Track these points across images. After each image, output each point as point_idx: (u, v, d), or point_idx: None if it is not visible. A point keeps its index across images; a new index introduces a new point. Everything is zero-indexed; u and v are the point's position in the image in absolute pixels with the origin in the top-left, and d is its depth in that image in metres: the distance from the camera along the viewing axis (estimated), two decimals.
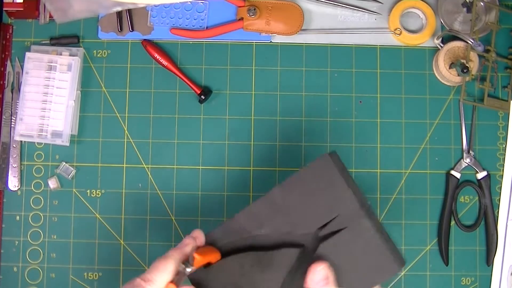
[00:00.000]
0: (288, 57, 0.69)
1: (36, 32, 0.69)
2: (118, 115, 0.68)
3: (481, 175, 0.67)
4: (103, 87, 0.68)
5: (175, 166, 0.67)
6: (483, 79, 0.68)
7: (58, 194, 0.67)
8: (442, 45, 0.68)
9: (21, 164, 0.67)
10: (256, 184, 0.67)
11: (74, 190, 0.67)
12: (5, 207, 0.66)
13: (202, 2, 0.69)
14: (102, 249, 0.66)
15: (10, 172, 0.66)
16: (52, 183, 0.66)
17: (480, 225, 0.67)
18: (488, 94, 0.67)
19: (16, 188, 0.66)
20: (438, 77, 0.69)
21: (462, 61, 0.66)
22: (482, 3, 0.68)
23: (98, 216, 0.66)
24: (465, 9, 0.69)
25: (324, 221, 0.50)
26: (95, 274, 0.66)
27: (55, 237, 0.66)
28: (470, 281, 0.67)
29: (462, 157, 0.68)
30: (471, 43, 0.66)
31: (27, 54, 0.66)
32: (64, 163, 0.67)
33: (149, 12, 0.69)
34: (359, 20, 0.70)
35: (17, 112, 0.66)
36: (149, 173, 0.67)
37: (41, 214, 0.66)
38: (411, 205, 0.67)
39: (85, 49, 0.68)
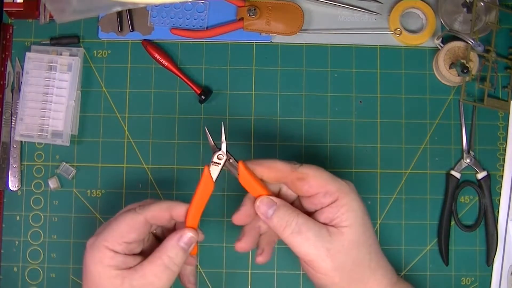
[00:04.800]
0: (288, 57, 0.69)
1: (36, 32, 0.69)
2: (118, 115, 0.68)
3: (481, 175, 0.67)
4: (103, 87, 0.68)
5: (175, 166, 0.67)
6: (483, 79, 0.68)
7: (58, 194, 0.67)
8: (442, 45, 0.68)
9: (21, 164, 0.67)
10: None
11: (74, 190, 0.67)
12: (5, 207, 0.66)
13: (202, 2, 0.69)
14: None
15: (10, 172, 0.66)
16: (52, 183, 0.66)
17: (480, 225, 0.67)
18: (488, 94, 0.68)
19: (16, 188, 0.66)
20: (438, 77, 0.69)
21: (462, 61, 0.66)
22: (482, 3, 0.68)
23: (98, 216, 0.66)
24: (465, 9, 0.69)
25: None
26: None
27: (55, 237, 0.66)
28: (470, 281, 0.67)
29: (462, 157, 0.68)
30: (471, 43, 0.66)
31: (27, 54, 0.66)
32: (64, 163, 0.67)
33: (149, 12, 0.69)
34: (359, 20, 0.70)
35: (17, 112, 0.66)
36: (149, 173, 0.67)
37: (41, 214, 0.66)
38: (411, 205, 0.67)
39: (85, 49, 0.68)
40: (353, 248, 0.51)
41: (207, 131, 0.55)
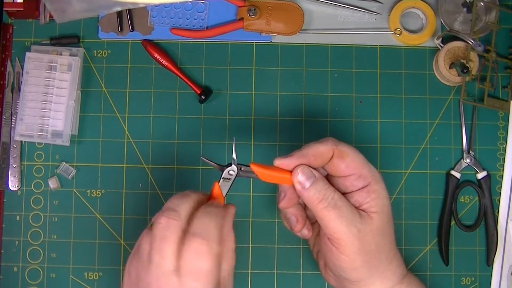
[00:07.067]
0: (288, 57, 0.69)
1: (36, 32, 0.69)
2: (118, 115, 0.68)
3: (481, 175, 0.67)
4: (103, 87, 0.68)
5: (175, 166, 0.67)
6: (483, 79, 0.68)
7: (58, 194, 0.67)
8: (442, 45, 0.68)
9: (21, 164, 0.67)
10: (256, 184, 0.67)
11: (74, 190, 0.67)
12: (5, 207, 0.66)
13: (202, 2, 0.69)
14: (102, 249, 0.66)
15: (10, 172, 0.66)
16: (52, 183, 0.66)
17: (480, 225, 0.67)
18: (488, 94, 0.68)
19: (16, 188, 0.66)
20: (438, 77, 0.69)
21: (462, 61, 0.66)
22: (482, 3, 0.68)
23: (98, 216, 0.66)
24: (465, 9, 0.69)
25: None
26: (95, 274, 0.66)
27: (55, 237, 0.66)
28: (470, 281, 0.67)
29: (462, 157, 0.68)
30: (471, 43, 0.66)
31: (27, 54, 0.66)
32: (64, 163, 0.67)
33: (149, 12, 0.69)
34: (359, 20, 0.70)
35: (17, 112, 0.66)
36: (149, 173, 0.67)
37: (41, 214, 0.66)
38: (411, 205, 0.67)
39: (85, 49, 0.68)
40: (378, 235, 0.51)
41: (205, 159, 0.54)
